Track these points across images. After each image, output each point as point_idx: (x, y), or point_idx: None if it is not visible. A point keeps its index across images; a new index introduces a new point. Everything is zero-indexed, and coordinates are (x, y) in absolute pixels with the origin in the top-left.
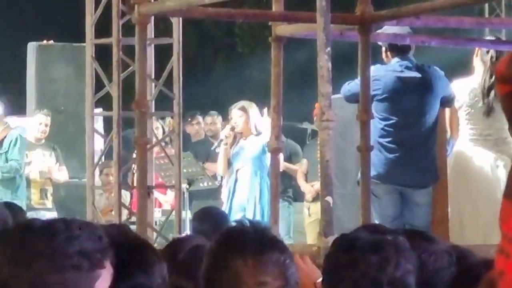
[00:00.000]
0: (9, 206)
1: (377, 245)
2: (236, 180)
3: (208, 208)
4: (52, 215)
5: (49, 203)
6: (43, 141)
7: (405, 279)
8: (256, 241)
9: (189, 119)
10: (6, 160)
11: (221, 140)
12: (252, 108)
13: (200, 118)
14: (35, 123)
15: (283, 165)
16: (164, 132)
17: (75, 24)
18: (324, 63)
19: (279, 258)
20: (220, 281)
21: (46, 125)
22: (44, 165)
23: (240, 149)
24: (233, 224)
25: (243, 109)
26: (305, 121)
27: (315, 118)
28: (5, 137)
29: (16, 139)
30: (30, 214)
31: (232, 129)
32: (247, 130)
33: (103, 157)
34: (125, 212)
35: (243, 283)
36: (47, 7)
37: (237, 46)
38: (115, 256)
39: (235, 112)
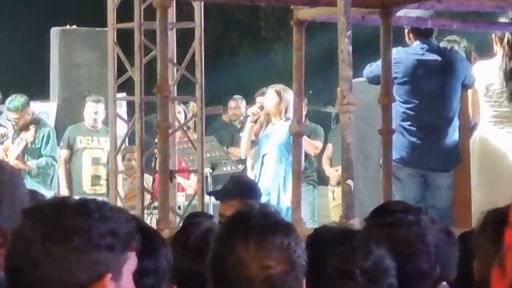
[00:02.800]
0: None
1: (344, 236)
2: (262, 165)
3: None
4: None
5: (102, 189)
6: (100, 127)
7: (380, 265)
8: (260, 225)
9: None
10: (40, 155)
11: (248, 116)
12: (288, 93)
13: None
14: (86, 111)
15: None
16: (186, 117)
17: (99, 9)
18: (344, 46)
19: (283, 241)
20: (224, 266)
21: (95, 113)
22: (99, 151)
23: (268, 134)
24: (242, 208)
25: (278, 91)
26: (329, 105)
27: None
28: (30, 127)
29: (48, 136)
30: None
31: (261, 108)
32: (276, 113)
33: (126, 142)
34: (147, 197)
35: (247, 268)
36: None
37: (262, 30)
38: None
39: (270, 92)
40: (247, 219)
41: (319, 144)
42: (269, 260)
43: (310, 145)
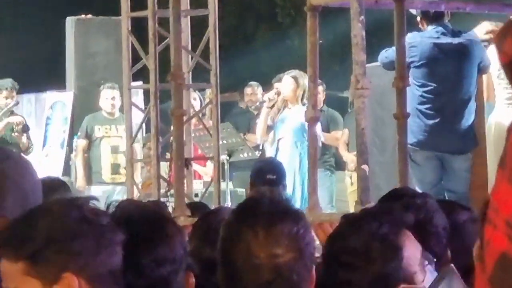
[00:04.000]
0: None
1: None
2: (277, 149)
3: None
4: (123, 189)
5: (121, 177)
6: (117, 115)
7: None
8: (269, 213)
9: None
10: None
11: (264, 102)
12: (304, 78)
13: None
14: (102, 99)
15: (321, 135)
16: (202, 104)
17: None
18: (358, 31)
19: (292, 229)
20: (233, 253)
21: (113, 99)
22: (118, 139)
23: (284, 118)
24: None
25: (295, 77)
26: (346, 90)
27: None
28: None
29: None
30: (101, 188)
31: (278, 93)
32: (293, 99)
33: (143, 131)
34: (164, 185)
35: (255, 256)
36: None
37: (278, 16)
38: (136, 231)
39: (286, 78)
40: (256, 206)
41: (339, 134)
42: (277, 248)
43: (331, 138)
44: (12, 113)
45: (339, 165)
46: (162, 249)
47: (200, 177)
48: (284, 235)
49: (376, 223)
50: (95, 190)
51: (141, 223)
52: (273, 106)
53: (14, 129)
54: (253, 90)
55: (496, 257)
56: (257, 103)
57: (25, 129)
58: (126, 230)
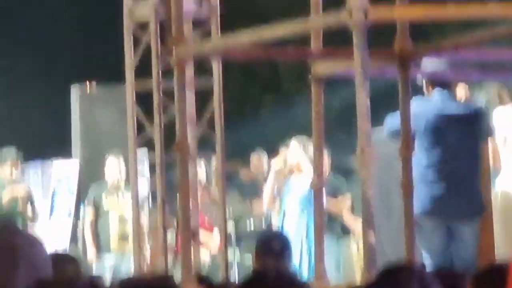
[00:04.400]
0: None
1: None
2: (284, 217)
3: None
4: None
5: (130, 247)
6: (123, 184)
7: None
8: (275, 285)
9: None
10: None
11: (272, 169)
12: (310, 145)
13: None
14: (108, 168)
15: (326, 203)
16: (208, 173)
17: (118, 66)
18: (362, 100)
19: None
20: None
21: (119, 167)
22: (125, 208)
23: (290, 187)
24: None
25: (302, 144)
26: (351, 155)
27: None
28: None
29: None
30: (110, 258)
31: (285, 162)
32: (299, 165)
33: (150, 200)
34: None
35: None
36: (89, 50)
37: (283, 84)
38: None
39: (293, 144)
40: (262, 280)
41: (344, 200)
42: None
43: (335, 205)
44: (17, 183)
45: (346, 231)
46: None
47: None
48: None
49: None
50: (104, 259)
51: None
52: (280, 173)
53: (19, 199)
54: (259, 158)
55: None
56: (263, 171)
57: (30, 198)
58: None
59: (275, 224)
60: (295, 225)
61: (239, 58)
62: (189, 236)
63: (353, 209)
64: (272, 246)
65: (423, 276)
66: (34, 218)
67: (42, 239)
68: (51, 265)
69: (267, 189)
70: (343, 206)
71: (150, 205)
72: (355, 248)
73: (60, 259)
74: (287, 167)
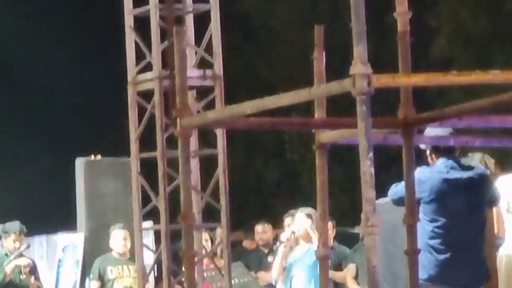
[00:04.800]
0: None
1: None
2: (290, 287)
3: None
4: None
5: None
6: (128, 255)
7: None
8: None
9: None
10: None
11: (281, 242)
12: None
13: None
14: (113, 240)
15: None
16: (213, 244)
17: (122, 138)
18: (367, 168)
19: None
20: None
21: (125, 239)
22: (130, 280)
23: (296, 256)
24: None
25: (309, 215)
26: (356, 226)
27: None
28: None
29: None
30: None
31: (293, 232)
32: (307, 237)
33: (156, 270)
34: None
35: None
36: (93, 123)
37: (287, 153)
38: None
39: (300, 215)
40: None
41: (349, 270)
42: None
43: (341, 276)
44: (21, 255)
45: None
46: None
47: None
48: None
49: None
50: None
51: None
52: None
53: (22, 271)
54: (263, 228)
55: None
56: (268, 242)
57: (33, 271)
58: None
59: None
60: None
61: (243, 128)
62: None
63: (357, 279)
64: None
65: None
66: None
67: None
68: None
69: (277, 262)
70: (348, 275)
71: (156, 276)
72: None
73: None
74: (294, 237)
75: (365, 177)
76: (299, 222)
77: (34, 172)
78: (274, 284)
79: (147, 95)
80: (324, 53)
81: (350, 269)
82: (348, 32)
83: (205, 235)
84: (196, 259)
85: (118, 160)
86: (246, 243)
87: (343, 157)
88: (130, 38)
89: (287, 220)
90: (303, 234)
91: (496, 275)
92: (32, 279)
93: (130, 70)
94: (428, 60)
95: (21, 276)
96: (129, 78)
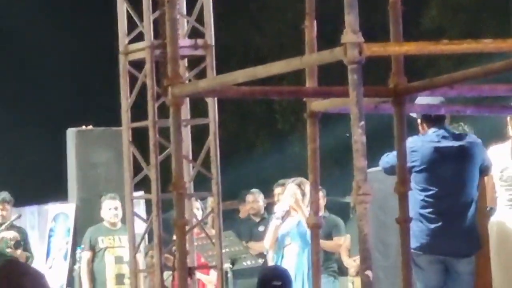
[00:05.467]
0: None
1: None
2: (283, 257)
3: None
4: None
5: (125, 287)
6: (119, 225)
7: None
8: None
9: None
10: None
11: (274, 213)
12: (307, 185)
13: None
14: (104, 209)
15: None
16: (204, 213)
17: (113, 108)
18: (358, 137)
19: None
20: None
21: (116, 208)
22: (122, 250)
23: (289, 227)
24: None
25: (300, 185)
26: (347, 195)
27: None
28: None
29: None
30: None
31: (285, 203)
32: (298, 206)
33: (146, 240)
34: None
35: None
36: (85, 93)
37: (278, 123)
38: None
39: (291, 186)
40: None
41: (342, 240)
42: None
43: (332, 245)
44: (12, 226)
45: (342, 270)
46: None
47: (204, 286)
48: None
49: None
50: None
51: None
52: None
53: (8, 244)
54: (255, 198)
55: None
56: (260, 211)
57: (17, 245)
58: None
59: (274, 263)
60: (295, 263)
61: (234, 97)
62: (185, 275)
63: (350, 251)
64: (273, 283)
65: None
66: (26, 261)
67: (42, 273)
68: None
69: (270, 233)
70: (340, 245)
71: (146, 244)
72: (351, 287)
73: None
74: (286, 208)
75: (357, 146)
76: (291, 192)
77: (25, 143)
78: (265, 254)
79: (138, 65)
80: (315, 22)
81: (346, 240)
82: (339, 0)
83: (196, 204)
84: (187, 228)
85: (109, 130)
86: (243, 210)
87: (335, 127)
88: (122, 7)
89: (277, 190)
90: (295, 204)
91: (487, 243)
92: (19, 251)
93: (121, 39)
94: (419, 30)
95: (7, 249)
96: (121, 48)
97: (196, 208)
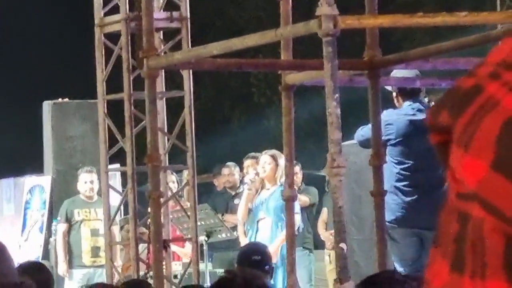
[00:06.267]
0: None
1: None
2: (257, 230)
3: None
4: (104, 272)
5: (102, 260)
6: (95, 198)
7: None
8: None
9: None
10: None
11: (245, 184)
12: (282, 158)
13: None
14: (80, 183)
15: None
16: (179, 186)
17: (89, 81)
18: (332, 109)
19: None
20: None
21: (91, 182)
22: (97, 222)
23: (262, 199)
24: (225, 274)
25: (273, 156)
26: (322, 169)
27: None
28: None
29: None
30: (82, 272)
31: (257, 174)
32: (272, 179)
33: (121, 213)
34: (143, 267)
35: None
36: (61, 66)
37: (254, 97)
38: None
39: (264, 157)
40: (229, 284)
41: (306, 199)
42: None
43: (320, 223)
44: None
45: (319, 244)
46: None
47: (179, 258)
48: None
49: None
50: (76, 274)
51: None
52: (253, 187)
53: None
54: (230, 171)
55: None
56: (235, 184)
57: None
58: None
59: (247, 238)
60: (269, 237)
61: (209, 69)
62: (160, 247)
63: (327, 224)
64: (253, 257)
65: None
66: None
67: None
68: (16, 272)
69: (242, 204)
70: (319, 220)
71: (122, 217)
72: (327, 259)
73: (31, 267)
74: (258, 180)
75: (331, 118)
76: (264, 163)
77: (0, 116)
78: (239, 225)
79: (114, 37)
80: None
81: (323, 213)
82: None
83: (172, 177)
84: (162, 200)
85: (85, 102)
86: (218, 181)
87: (310, 100)
88: None
89: (246, 163)
90: (268, 176)
91: None
92: None
93: (97, 12)
94: (395, 4)
95: None
96: (96, 20)
97: (172, 182)
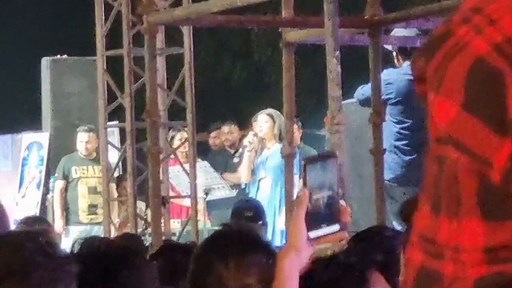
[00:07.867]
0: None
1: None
2: (258, 189)
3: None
4: (100, 229)
5: (99, 218)
6: (94, 155)
7: None
8: (239, 244)
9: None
10: None
11: (245, 146)
12: (280, 116)
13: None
14: (78, 141)
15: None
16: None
17: (88, 37)
18: (333, 67)
19: (262, 259)
20: (204, 285)
21: (87, 142)
22: (95, 180)
23: (263, 159)
24: (220, 228)
25: (270, 115)
26: (322, 128)
27: (326, 122)
28: None
29: None
30: (78, 229)
31: (255, 135)
32: (271, 137)
33: (120, 169)
34: (141, 223)
35: (226, 286)
36: (60, 22)
37: (254, 54)
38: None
39: (261, 116)
40: (226, 238)
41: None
42: (248, 278)
43: None
44: None
45: None
46: (130, 280)
47: (178, 215)
48: (255, 265)
49: (345, 261)
50: (73, 231)
51: (107, 256)
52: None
53: None
54: (230, 129)
55: (415, 272)
56: (235, 142)
57: None
58: (92, 264)
59: (249, 195)
60: (268, 196)
61: (209, 26)
62: (159, 203)
63: None
64: (245, 214)
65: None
66: None
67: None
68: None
69: (244, 167)
70: None
71: (120, 174)
72: None
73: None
74: (258, 140)
75: (332, 75)
76: (262, 122)
77: None
78: (243, 187)
79: None
80: None
81: None
82: None
83: (182, 134)
84: (161, 156)
85: (84, 59)
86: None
87: (311, 58)
88: None
89: (255, 123)
90: (267, 135)
91: None
92: None
93: None
94: None
95: None
96: None
97: (171, 138)
